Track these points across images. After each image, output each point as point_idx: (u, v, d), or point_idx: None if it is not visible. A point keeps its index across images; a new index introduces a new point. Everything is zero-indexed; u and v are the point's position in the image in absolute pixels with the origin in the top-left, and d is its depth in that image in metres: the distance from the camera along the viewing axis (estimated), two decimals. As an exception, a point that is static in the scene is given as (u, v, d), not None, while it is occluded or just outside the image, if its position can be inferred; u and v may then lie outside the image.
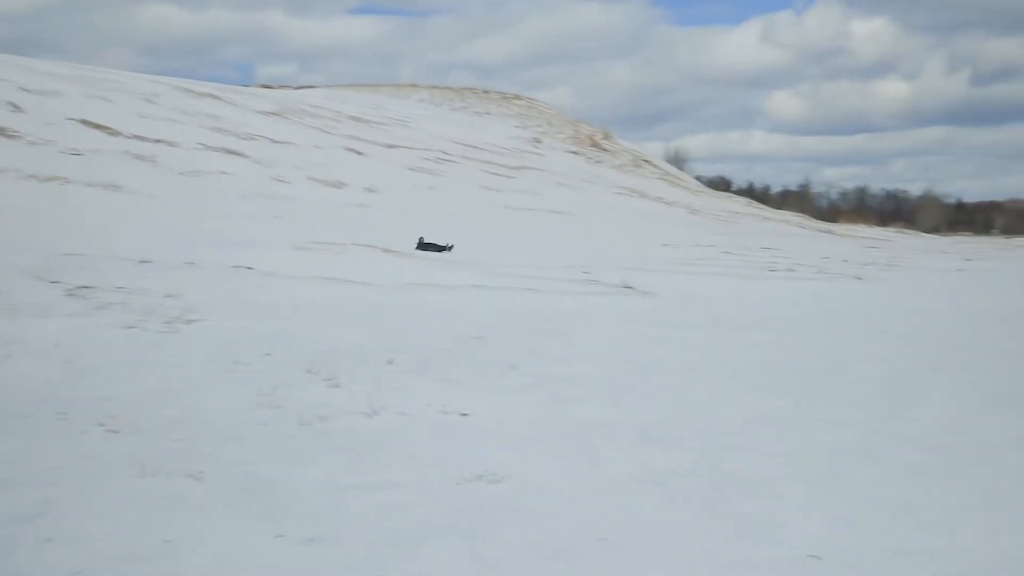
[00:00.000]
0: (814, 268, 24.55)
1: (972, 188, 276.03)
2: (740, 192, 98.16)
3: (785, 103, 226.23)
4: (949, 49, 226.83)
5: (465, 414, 5.87)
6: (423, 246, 27.71)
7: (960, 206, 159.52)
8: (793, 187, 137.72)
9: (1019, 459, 5.13)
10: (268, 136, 32.36)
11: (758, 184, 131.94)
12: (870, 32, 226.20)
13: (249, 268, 11.68)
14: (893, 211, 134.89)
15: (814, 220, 70.36)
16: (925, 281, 22.95)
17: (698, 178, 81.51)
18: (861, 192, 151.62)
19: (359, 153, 35.41)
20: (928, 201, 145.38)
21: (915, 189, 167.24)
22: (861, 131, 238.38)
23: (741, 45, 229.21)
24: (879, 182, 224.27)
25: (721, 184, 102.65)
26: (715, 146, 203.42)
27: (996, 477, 4.79)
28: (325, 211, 22.92)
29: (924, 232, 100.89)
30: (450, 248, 27.67)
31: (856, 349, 9.61)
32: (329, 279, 11.78)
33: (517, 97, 71.00)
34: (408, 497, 4.28)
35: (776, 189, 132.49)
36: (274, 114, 38.18)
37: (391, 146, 39.52)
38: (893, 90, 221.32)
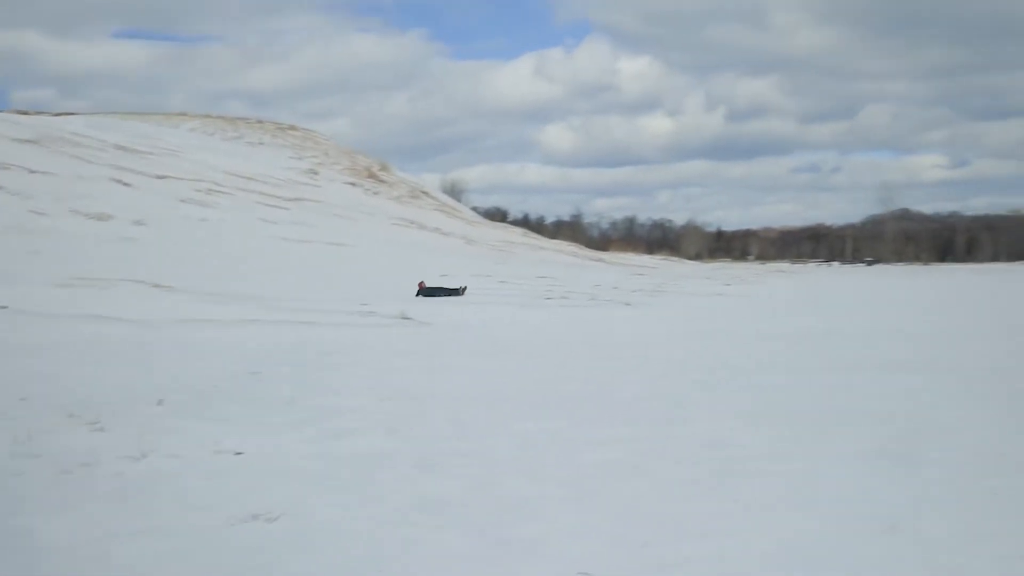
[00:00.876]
0: (586, 295, 25.45)
1: (730, 217, 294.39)
2: (516, 222, 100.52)
3: (558, 136, 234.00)
4: (707, 88, 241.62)
5: (240, 452, 5.72)
6: (428, 292, 25.98)
7: (720, 234, 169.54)
8: (566, 217, 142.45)
9: (776, 469, 5.49)
10: (24, 166, 30.43)
11: (533, 215, 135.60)
12: (636, 70, 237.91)
13: (3, 307, 10.95)
14: (659, 239, 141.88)
15: (586, 249, 72.96)
16: (689, 305, 24.20)
17: (475, 209, 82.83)
18: (630, 222, 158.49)
19: (126, 184, 33.88)
20: (691, 230, 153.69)
21: (679, 219, 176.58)
22: (629, 164, 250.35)
23: (515, 79, 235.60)
24: (646, 212, 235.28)
25: (497, 215, 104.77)
26: (492, 177, 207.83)
27: (756, 488, 5.11)
28: (89, 245, 21.75)
29: (688, 259, 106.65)
30: (463, 290, 26.44)
31: (625, 371, 10.04)
32: (94, 317, 11.21)
33: (293, 128, 70.00)
34: (179, 543, 4.13)
35: (550, 219, 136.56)
36: (31, 142, 35.97)
37: (160, 176, 38.05)
38: (658, 125, 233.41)
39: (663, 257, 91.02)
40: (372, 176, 61.72)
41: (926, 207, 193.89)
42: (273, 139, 65.06)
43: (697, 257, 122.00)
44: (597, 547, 4.15)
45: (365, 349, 11.52)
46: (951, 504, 4.76)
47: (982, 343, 13.55)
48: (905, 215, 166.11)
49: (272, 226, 33.64)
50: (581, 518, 4.56)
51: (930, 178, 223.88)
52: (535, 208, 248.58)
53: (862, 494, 4.95)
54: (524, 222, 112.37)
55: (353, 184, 56.84)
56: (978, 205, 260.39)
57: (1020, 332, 15.63)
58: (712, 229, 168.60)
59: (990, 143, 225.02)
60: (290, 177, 50.22)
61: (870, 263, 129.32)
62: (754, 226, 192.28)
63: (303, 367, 9.68)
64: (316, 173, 55.42)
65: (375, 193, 56.40)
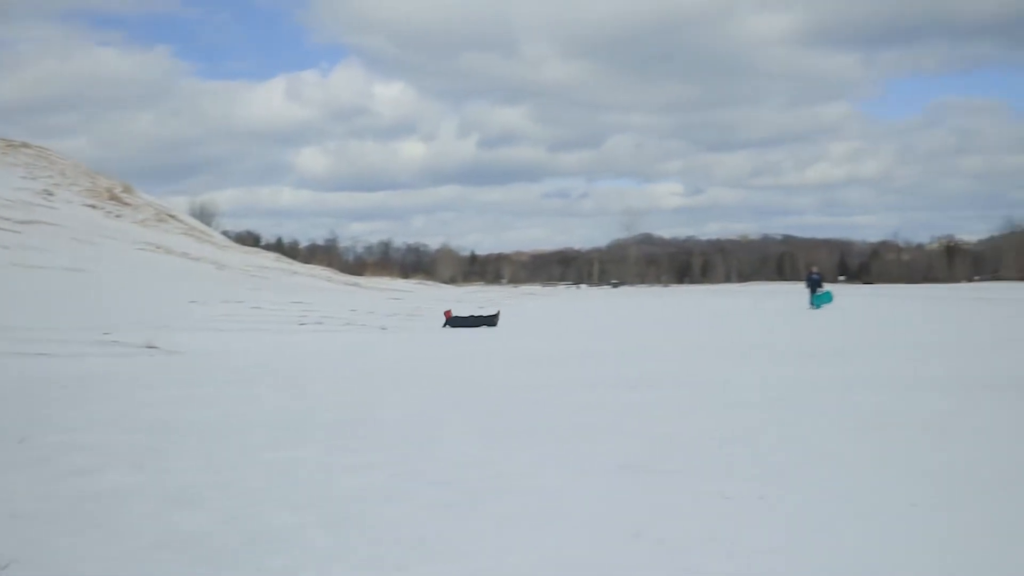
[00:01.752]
0: (342, 320, 25.26)
1: (483, 241, 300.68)
2: (269, 247, 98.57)
3: (312, 160, 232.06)
4: (461, 115, 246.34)
5: (-38, 498, 5.30)
6: (458, 322, 23.46)
7: (474, 258, 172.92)
8: (321, 242, 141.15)
9: (528, 485, 5.66)
10: None
11: (287, 239, 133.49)
12: (391, 95, 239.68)
13: None
14: (415, 263, 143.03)
15: (341, 274, 72.38)
16: (444, 328, 24.44)
17: (226, 233, 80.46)
18: (385, 246, 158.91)
19: None
20: (445, 254, 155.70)
21: (433, 243, 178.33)
22: (384, 188, 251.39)
23: (268, 101, 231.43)
24: (401, 236, 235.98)
25: (250, 239, 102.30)
26: (244, 201, 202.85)
27: (509, 505, 5.25)
28: None
29: (443, 282, 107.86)
30: (495, 319, 23.63)
31: (380, 395, 10.06)
32: None
33: (25, 145, 65.26)
34: None
35: (305, 244, 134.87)
36: None
37: None
38: (413, 150, 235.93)
39: (418, 281, 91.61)
40: (114, 198, 58.59)
41: (665, 232, 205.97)
42: (3, 157, 60.49)
43: (452, 281, 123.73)
44: (350, 573, 4.14)
45: (107, 381, 10.93)
46: (688, 510, 5.08)
47: (716, 359, 14.51)
48: (647, 239, 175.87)
49: (3, 251, 31.25)
50: (336, 544, 4.53)
51: (669, 205, 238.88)
52: (289, 232, 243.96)
53: (609, 505, 5.20)
54: (278, 247, 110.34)
55: (93, 206, 53.71)
56: (712, 230, 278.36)
57: (750, 348, 16.83)
58: (466, 253, 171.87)
59: (721, 173, 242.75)
60: (22, 198, 46.81)
61: (615, 285, 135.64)
62: (506, 250, 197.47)
63: (37, 401, 9.07)
64: (51, 194, 51.93)
65: (117, 216, 53.56)
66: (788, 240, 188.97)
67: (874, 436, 7.26)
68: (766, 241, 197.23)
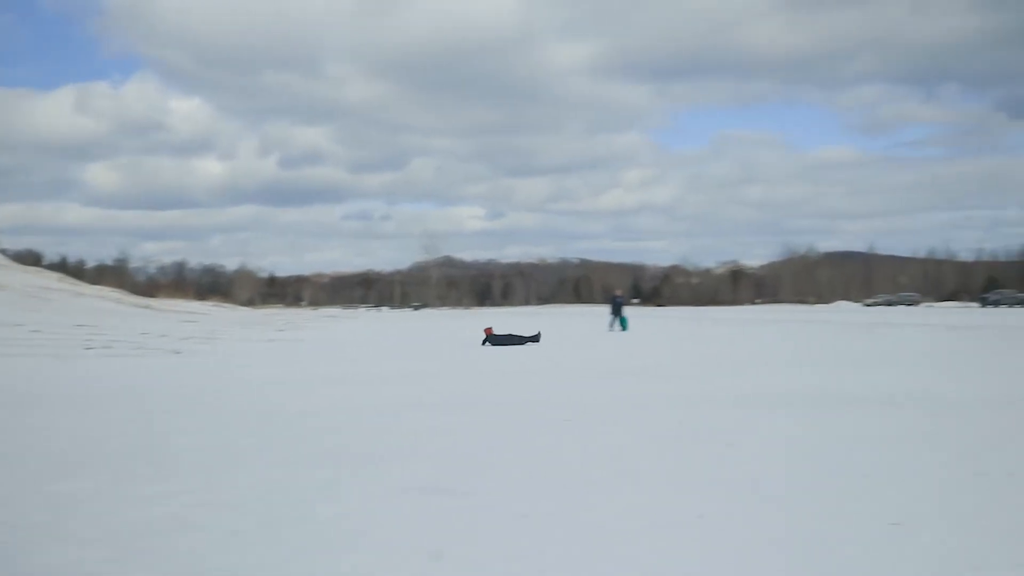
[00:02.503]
0: (132, 344, 24.20)
1: (283, 263, 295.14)
2: (52, 266, 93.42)
3: (102, 175, 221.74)
4: (261, 133, 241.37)
5: None
6: (497, 340, 23.13)
7: (273, 280, 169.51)
8: (110, 261, 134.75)
9: (326, 511, 5.58)
10: None
11: (72, 258, 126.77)
12: (188, 111, 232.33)
13: None
14: (211, 284, 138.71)
15: (132, 295, 69.37)
16: (242, 351, 23.85)
17: (3, 251, 75.54)
18: (180, 266, 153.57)
19: None
20: (243, 275, 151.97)
21: (231, 264, 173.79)
22: (179, 206, 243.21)
23: (54, 112, 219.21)
24: (197, 256, 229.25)
25: (31, 258, 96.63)
26: (25, 217, 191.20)
27: (306, 530, 5.15)
28: None
29: (240, 304, 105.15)
30: (538, 338, 23.31)
31: (173, 422, 9.67)
32: None
33: None
34: None
35: (92, 263, 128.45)
36: None
37: None
38: (210, 168, 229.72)
39: (215, 303, 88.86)
40: None
41: (467, 255, 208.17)
42: None
43: (250, 303, 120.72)
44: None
45: None
46: (488, 530, 5.13)
47: (518, 380, 14.74)
48: (448, 262, 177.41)
49: None
50: (127, 579, 4.33)
51: (471, 228, 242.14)
52: (75, 251, 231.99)
53: (409, 527, 5.19)
54: (62, 266, 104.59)
55: None
56: (512, 253, 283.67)
57: (555, 368, 17.21)
58: (265, 275, 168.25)
59: (521, 197, 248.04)
60: None
61: (417, 307, 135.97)
62: (307, 272, 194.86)
63: None
64: None
65: None
66: (585, 264, 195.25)
67: (671, 451, 7.56)
68: (564, 264, 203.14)
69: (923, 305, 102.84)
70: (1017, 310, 74.68)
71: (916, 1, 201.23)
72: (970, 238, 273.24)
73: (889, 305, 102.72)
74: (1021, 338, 27.82)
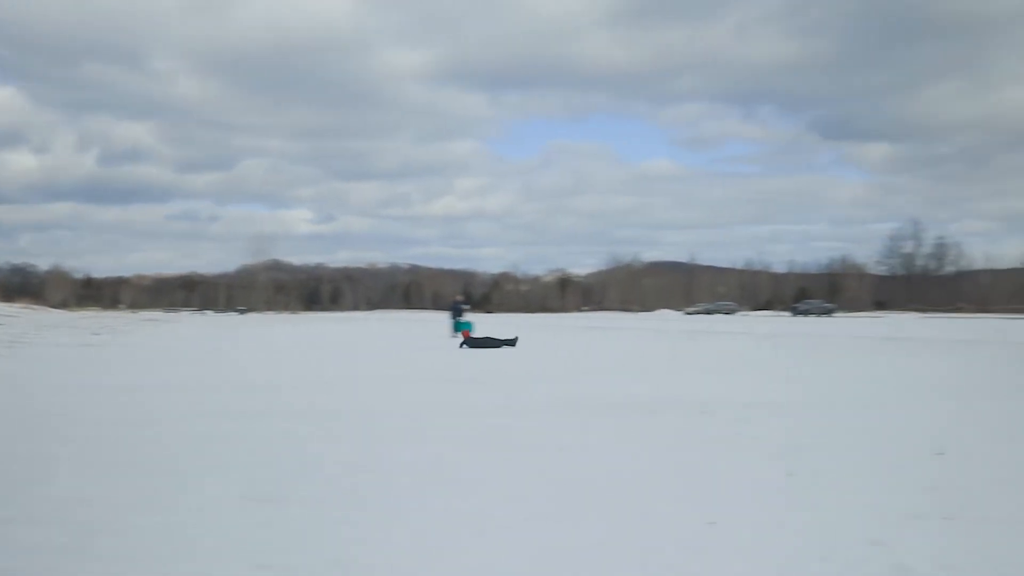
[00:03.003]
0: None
1: (101, 263, 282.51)
2: None
3: None
4: (80, 127, 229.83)
5: None
6: (475, 342, 24.11)
7: (89, 281, 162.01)
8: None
9: (139, 522, 5.45)
10: None
11: None
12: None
13: None
14: (20, 285, 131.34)
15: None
16: (55, 356, 22.79)
17: None
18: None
19: None
20: (57, 276, 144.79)
21: (43, 263, 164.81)
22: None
23: None
24: (6, 256, 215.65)
25: None
26: None
27: (130, 542, 5.04)
28: None
29: (53, 307, 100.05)
30: (515, 341, 24.08)
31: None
32: None
33: None
34: None
35: None
36: None
37: None
38: (22, 162, 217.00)
39: (24, 305, 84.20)
40: None
41: (296, 259, 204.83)
42: None
43: (63, 305, 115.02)
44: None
45: None
46: (313, 538, 5.14)
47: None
48: (276, 266, 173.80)
49: None
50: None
51: (300, 231, 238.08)
52: None
53: (233, 537, 5.12)
54: None
55: None
56: (342, 258, 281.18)
57: (390, 375, 17.17)
58: (80, 275, 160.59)
59: (352, 201, 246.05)
60: None
61: (243, 311, 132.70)
62: (126, 273, 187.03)
63: None
64: None
65: None
66: (415, 269, 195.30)
67: (505, 456, 7.71)
68: (394, 270, 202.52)
69: (739, 313, 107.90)
70: (824, 319, 79.47)
71: (739, 25, 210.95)
72: (783, 251, 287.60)
73: (708, 313, 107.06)
74: (827, 345, 29.56)
